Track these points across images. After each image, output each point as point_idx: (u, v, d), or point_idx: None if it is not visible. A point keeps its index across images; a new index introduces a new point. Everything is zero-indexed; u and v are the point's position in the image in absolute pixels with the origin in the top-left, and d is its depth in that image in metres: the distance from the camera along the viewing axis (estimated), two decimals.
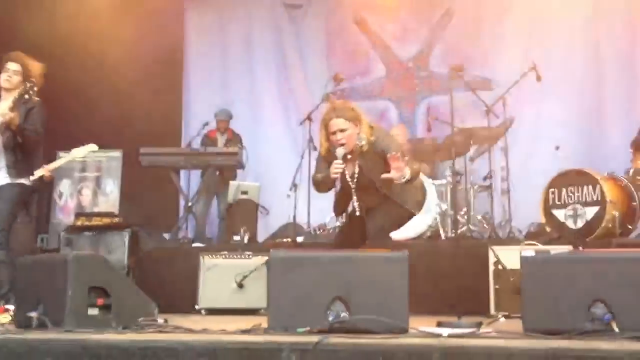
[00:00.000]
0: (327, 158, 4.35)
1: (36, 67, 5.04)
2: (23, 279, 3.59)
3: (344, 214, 4.78)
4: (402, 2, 8.82)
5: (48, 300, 3.31)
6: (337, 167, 4.14)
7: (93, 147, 5.27)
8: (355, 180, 4.32)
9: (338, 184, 4.47)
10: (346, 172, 4.29)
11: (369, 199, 4.38)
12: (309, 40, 9.09)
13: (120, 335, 3.01)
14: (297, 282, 3.17)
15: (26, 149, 4.82)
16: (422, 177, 6.26)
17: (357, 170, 4.31)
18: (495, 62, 8.31)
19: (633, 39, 7.79)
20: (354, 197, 4.35)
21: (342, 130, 4.20)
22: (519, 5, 8.32)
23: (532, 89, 7.34)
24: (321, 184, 4.42)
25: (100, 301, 3.30)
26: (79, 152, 5.25)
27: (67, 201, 8.34)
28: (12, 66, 4.95)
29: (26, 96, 4.83)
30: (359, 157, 4.31)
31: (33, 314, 3.25)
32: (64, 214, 8.28)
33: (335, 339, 2.71)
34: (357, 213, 4.37)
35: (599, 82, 7.87)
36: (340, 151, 4.18)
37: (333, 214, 6.71)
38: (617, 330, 2.71)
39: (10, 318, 3.95)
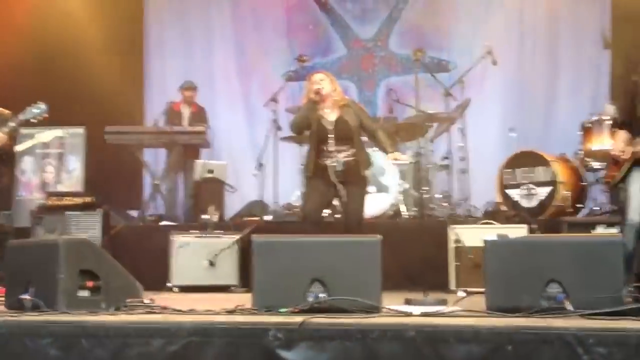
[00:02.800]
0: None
1: None
2: (13, 263, 3.71)
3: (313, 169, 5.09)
4: None
5: (39, 283, 3.45)
6: (316, 86, 4.99)
7: (58, 132, 5.28)
8: (333, 125, 4.97)
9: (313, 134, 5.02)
10: (326, 114, 5.00)
11: (344, 152, 4.96)
12: (268, 18, 9.14)
13: (113, 316, 3.19)
14: (278, 265, 3.41)
15: None
16: (383, 156, 6.56)
17: (337, 116, 5.01)
18: (453, 44, 8.57)
19: (585, 20, 8.12)
20: (330, 143, 4.93)
21: (321, 80, 5.09)
22: None
23: (488, 72, 7.66)
24: (301, 114, 5.13)
25: (90, 283, 3.46)
26: (43, 137, 5.27)
27: (30, 178, 8.32)
28: None
29: None
30: (338, 109, 5.04)
31: (26, 297, 3.39)
32: (27, 191, 8.26)
33: (316, 319, 2.96)
34: (333, 163, 4.92)
35: (552, 65, 8.23)
36: (318, 76, 5.11)
37: (299, 192, 6.97)
38: (570, 308, 3.03)
39: None
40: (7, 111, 5.08)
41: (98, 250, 3.63)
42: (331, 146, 4.97)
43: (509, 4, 8.45)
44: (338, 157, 4.96)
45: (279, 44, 9.01)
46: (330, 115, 5.06)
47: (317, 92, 5.00)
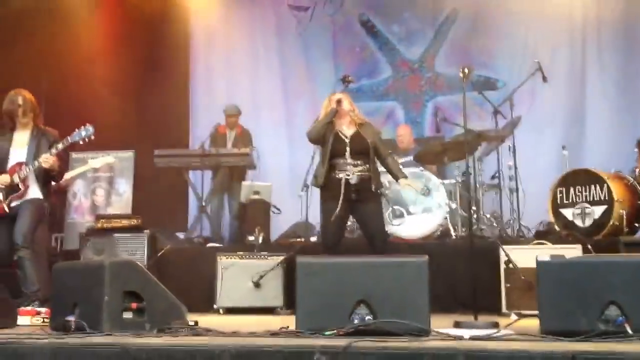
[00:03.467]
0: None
1: (31, 96, 5.22)
2: (59, 284, 3.74)
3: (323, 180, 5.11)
4: (407, 3, 8.96)
5: (84, 304, 3.45)
6: (337, 97, 5.12)
7: (110, 159, 5.36)
8: (350, 139, 5.05)
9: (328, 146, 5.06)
10: (343, 129, 5.10)
11: (359, 167, 5.00)
12: (315, 42, 9.21)
13: (157, 338, 3.16)
14: (322, 286, 3.33)
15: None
16: (432, 176, 6.45)
17: (354, 132, 5.10)
18: (500, 62, 8.46)
19: (636, 35, 7.89)
20: (347, 154, 4.99)
21: (340, 97, 5.20)
22: (522, 3, 8.44)
23: (539, 88, 7.48)
24: (319, 122, 5.16)
25: (134, 305, 3.44)
26: (95, 163, 5.35)
27: (81, 201, 8.48)
28: (19, 100, 5.13)
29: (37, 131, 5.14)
30: (355, 126, 5.12)
31: (70, 318, 3.39)
32: (78, 213, 8.42)
33: (362, 343, 2.85)
34: (348, 176, 4.96)
35: (604, 81, 8.00)
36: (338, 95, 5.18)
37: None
38: (630, 332, 2.86)
39: (42, 321, 4.11)
40: (55, 131, 5.18)
41: (143, 272, 3.61)
42: (347, 159, 5.00)
43: (559, 19, 8.28)
44: (353, 171, 4.99)
45: (325, 67, 9.03)
46: (347, 130, 5.14)
47: (339, 102, 5.08)
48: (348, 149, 5.03)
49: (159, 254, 6.18)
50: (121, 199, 8.40)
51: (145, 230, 6.18)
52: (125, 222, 6.25)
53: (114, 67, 8.63)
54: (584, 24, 8.17)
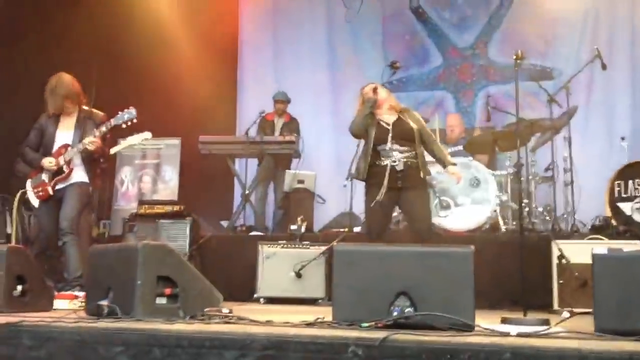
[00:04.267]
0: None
1: (74, 80, 5.23)
2: (93, 268, 3.68)
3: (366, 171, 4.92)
4: None
5: (118, 288, 3.38)
6: (371, 84, 4.98)
7: (147, 134, 5.39)
8: (392, 125, 4.84)
9: (371, 136, 4.86)
10: (384, 117, 4.90)
11: (405, 152, 4.79)
12: (364, 29, 9.04)
13: (188, 325, 3.05)
14: (361, 276, 3.16)
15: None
16: (482, 167, 6.21)
17: (395, 118, 4.89)
18: (557, 50, 8.12)
19: None
20: (390, 140, 4.77)
21: (375, 86, 5.03)
22: None
23: (597, 77, 7.14)
24: (360, 114, 4.93)
25: (168, 291, 3.35)
26: (134, 139, 5.39)
27: (128, 188, 8.53)
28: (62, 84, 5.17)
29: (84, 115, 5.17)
30: (396, 113, 4.94)
31: (104, 302, 3.33)
32: (125, 200, 8.47)
33: (401, 336, 2.69)
34: (394, 163, 4.75)
35: None
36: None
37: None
38: None
39: (79, 305, 4.08)
40: (101, 113, 5.20)
41: (177, 257, 3.52)
42: (391, 145, 4.78)
43: (618, 5, 7.88)
44: (399, 157, 4.76)
45: (374, 55, 8.86)
46: (388, 118, 4.93)
47: (375, 90, 4.90)
48: (390, 135, 4.80)
49: (200, 241, 6.13)
50: (167, 187, 8.40)
51: (188, 217, 6.14)
52: (167, 209, 6.23)
53: (162, 55, 8.62)
54: None
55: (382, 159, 4.81)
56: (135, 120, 5.05)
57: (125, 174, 8.61)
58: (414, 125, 4.89)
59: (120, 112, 5.08)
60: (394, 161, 4.76)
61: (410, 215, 4.97)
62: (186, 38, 8.70)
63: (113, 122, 5.06)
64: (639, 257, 2.93)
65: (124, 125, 5.08)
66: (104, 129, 5.04)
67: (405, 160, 4.79)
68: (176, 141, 8.52)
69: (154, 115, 7.90)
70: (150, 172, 8.61)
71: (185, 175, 8.47)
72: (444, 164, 5.02)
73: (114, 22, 8.41)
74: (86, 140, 5.00)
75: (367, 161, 4.86)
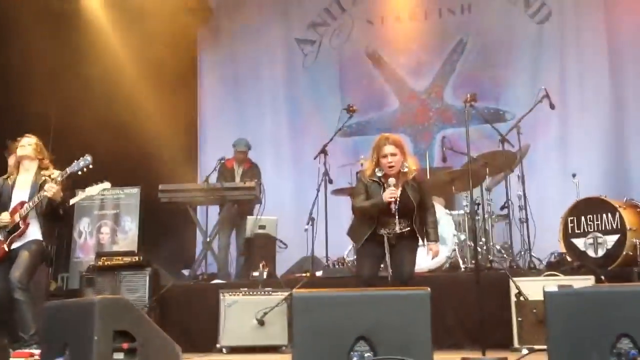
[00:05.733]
0: (365, 183, 4.80)
1: (38, 141, 5.32)
2: (49, 324, 3.62)
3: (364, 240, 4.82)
4: (415, 35, 8.93)
5: (74, 344, 3.33)
6: (392, 193, 4.64)
7: (106, 185, 5.41)
8: (397, 204, 4.66)
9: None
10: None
11: (402, 224, 4.72)
12: (322, 75, 9.21)
13: None
14: (320, 322, 3.18)
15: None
16: (439, 207, 6.31)
17: (399, 193, 4.71)
18: (509, 93, 8.40)
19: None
20: (397, 220, 4.66)
21: (392, 155, 4.71)
22: (527, 34, 8.40)
23: (547, 116, 7.38)
24: (370, 209, 4.75)
25: (125, 345, 3.31)
26: (93, 190, 5.40)
27: (86, 239, 8.41)
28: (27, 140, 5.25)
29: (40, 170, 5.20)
30: (402, 182, 4.76)
31: (61, 359, 3.27)
32: (84, 252, 8.34)
33: None
34: (389, 234, 4.69)
35: (616, 108, 7.89)
36: (392, 180, 4.68)
37: (351, 246, 6.75)
38: None
39: None
40: (58, 171, 5.19)
41: (135, 310, 3.49)
42: (393, 219, 4.69)
43: (566, 48, 8.23)
44: (396, 229, 4.71)
45: (332, 101, 8.98)
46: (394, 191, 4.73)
47: (393, 198, 4.65)
48: (397, 213, 4.67)
49: (161, 292, 6.06)
50: (127, 237, 8.31)
51: (148, 268, 6.08)
52: (126, 260, 6.15)
53: (121, 103, 8.62)
54: (595, 49, 8.08)
55: (380, 227, 4.75)
56: (90, 166, 5.07)
57: (83, 225, 8.49)
58: (415, 200, 4.75)
59: (75, 161, 5.10)
60: (390, 233, 4.73)
61: (394, 262, 4.79)
62: (146, 88, 8.73)
63: (69, 170, 5.09)
64: (587, 293, 3.02)
65: (79, 173, 5.08)
66: (59, 178, 5.04)
67: (401, 230, 4.74)
68: (135, 190, 8.46)
69: (112, 164, 7.89)
70: (109, 222, 8.51)
71: (146, 224, 8.39)
72: (427, 238, 4.87)
73: (71, 70, 8.42)
74: (46, 186, 5.00)
75: (365, 229, 4.78)
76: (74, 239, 8.40)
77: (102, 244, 8.25)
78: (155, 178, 7.79)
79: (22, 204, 5.09)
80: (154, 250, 7.19)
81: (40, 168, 5.22)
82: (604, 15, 8.11)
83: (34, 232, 5.10)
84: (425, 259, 6.05)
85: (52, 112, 8.20)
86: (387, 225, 4.75)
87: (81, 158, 5.11)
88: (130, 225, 8.45)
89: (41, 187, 5.09)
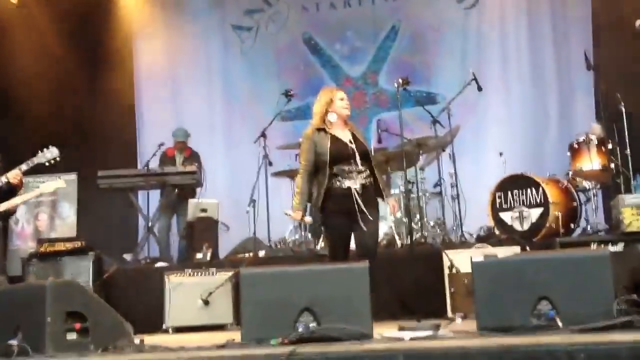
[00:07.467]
0: (311, 138, 4.51)
1: None
2: (0, 309, 3.68)
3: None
4: (349, 21, 9.14)
5: (27, 327, 3.41)
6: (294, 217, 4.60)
7: (61, 183, 5.34)
8: (355, 145, 4.45)
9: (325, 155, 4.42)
10: (338, 133, 4.51)
11: (363, 173, 4.43)
12: (259, 61, 9.32)
13: (101, 358, 3.15)
14: (266, 297, 3.38)
15: None
16: None
17: (350, 134, 4.54)
18: (440, 77, 8.73)
19: (567, 43, 8.23)
20: (357, 158, 4.38)
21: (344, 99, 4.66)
22: (455, 19, 8.75)
23: (475, 99, 7.73)
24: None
25: (77, 326, 3.41)
26: (47, 187, 5.30)
27: (23, 227, 8.32)
28: None
29: None
30: (348, 128, 4.60)
31: (13, 342, 3.35)
32: (22, 240, 8.27)
33: (306, 349, 2.92)
34: (356, 185, 4.35)
35: (538, 88, 8.32)
36: (332, 116, 4.56)
37: (292, 226, 6.96)
38: (560, 324, 2.99)
39: None
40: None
41: (85, 292, 3.60)
42: (352, 166, 4.38)
43: (492, 33, 8.60)
44: (358, 179, 4.38)
45: (270, 87, 9.08)
46: (342, 134, 4.51)
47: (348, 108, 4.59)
48: (357, 153, 4.38)
49: (104, 276, 6.11)
50: (64, 223, 8.27)
51: (90, 253, 6.12)
52: (69, 245, 6.17)
53: (57, 88, 8.53)
54: (518, 33, 8.49)
55: (342, 179, 4.39)
56: (58, 159, 5.05)
57: (19, 213, 8.37)
58: (366, 144, 4.56)
59: (40, 152, 5.06)
60: (356, 183, 4.37)
61: (360, 240, 4.47)
62: (83, 71, 8.66)
63: (36, 160, 5.04)
64: (509, 261, 3.31)
65: (47, 164, 5.06)
66: (24, 167, 4.99)
67: (363, 182, 4.41)
68: (73, 176, 8.39)
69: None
70: (46, 209, 8.44)
71: (84, 210, 8.36)
72: (382, 195, 4.59)
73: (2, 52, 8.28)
74: (10, 173, 4.94)
75: (324, 182, 4.37)
76: (10, 226, 8.27)
77: (40, 230, 8.20)
78: (93, 164, 7.77)
79: None
80: (94, 236, 7.19)
81: None
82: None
83: None
84: None
85: None
86: (349, 175, 4.36)
87: (46, 150, 5.08)
88: (68, 212, 8.41)
89: None
